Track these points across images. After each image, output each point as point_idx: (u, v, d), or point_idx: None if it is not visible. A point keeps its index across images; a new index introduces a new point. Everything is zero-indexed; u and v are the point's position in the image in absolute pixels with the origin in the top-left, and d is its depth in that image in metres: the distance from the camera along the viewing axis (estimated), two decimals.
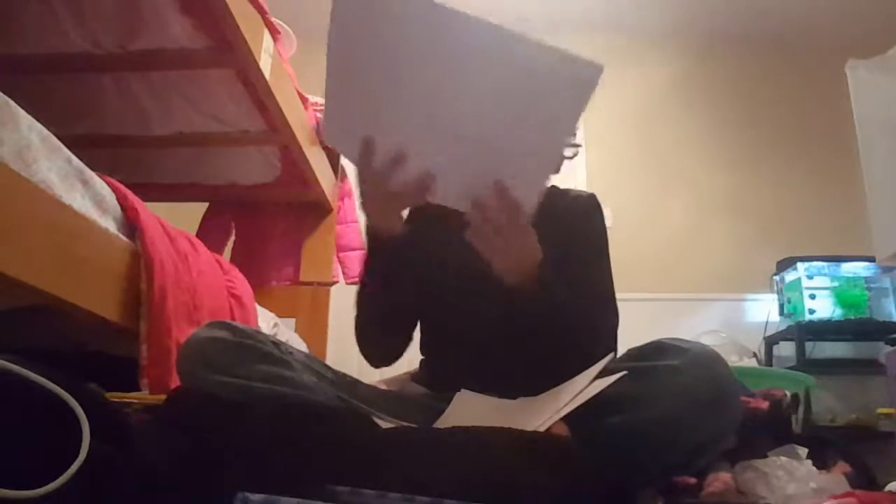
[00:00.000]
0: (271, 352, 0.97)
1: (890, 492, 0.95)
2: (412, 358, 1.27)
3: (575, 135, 1.27)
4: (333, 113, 0.92)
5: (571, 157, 1.28)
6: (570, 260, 1.05)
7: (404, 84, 0.85)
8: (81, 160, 1.14)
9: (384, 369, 1.25)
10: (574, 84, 0.82)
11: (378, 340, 1.18)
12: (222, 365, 0.92)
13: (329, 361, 1.14)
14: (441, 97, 0.85)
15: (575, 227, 1.18)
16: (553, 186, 1.30)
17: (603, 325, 1.10)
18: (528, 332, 1.03)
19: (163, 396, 0.99)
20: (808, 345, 3.03)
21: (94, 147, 2.00)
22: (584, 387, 0.87)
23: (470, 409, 1.01)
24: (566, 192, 1.28)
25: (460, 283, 1.18)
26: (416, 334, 1.25)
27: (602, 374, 0.90)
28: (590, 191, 1.30)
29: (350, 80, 0.86)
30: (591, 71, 0.82)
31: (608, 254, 1.19)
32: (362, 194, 0.98)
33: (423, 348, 1.24)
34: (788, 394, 1.18)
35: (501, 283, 0.98)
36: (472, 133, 0.87)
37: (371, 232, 1.06)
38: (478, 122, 0.86)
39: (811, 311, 3.03)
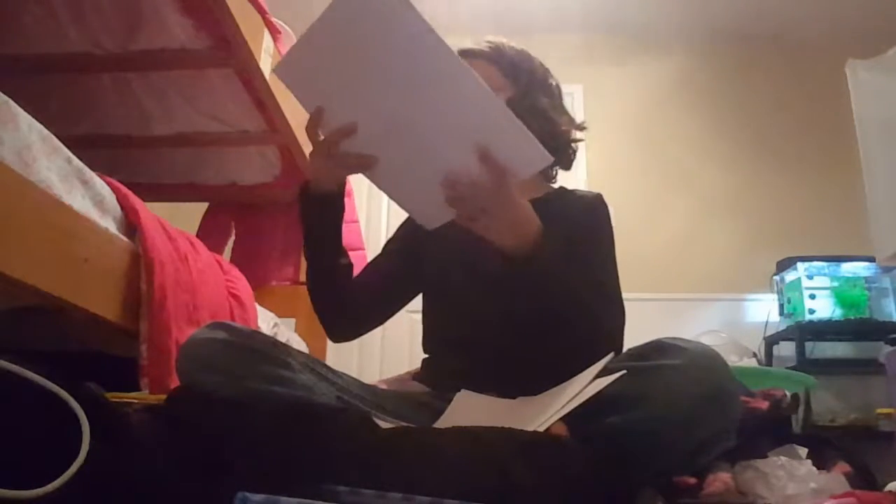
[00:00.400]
0: (271, 352, 0.96)
1: (890, 492, 0.95)
2: (414, 358, 1.27)
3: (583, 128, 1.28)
4: (300, 56, 0.95)
5: (573, 156, 1.28)
6: (575, 257, 1.04)
7: (376, 76, 0.89)
8: (81, 160, 1.14)
9: (384, 369, 1.26)
10: (522, 157, 0.90)
11: (322, 301, 1.18)
12: (222, 366, 0.92)
13: (329, 361, 1.14)
14: (405, 101, 0.90)
15: (580, 225, 1.17)
16: (561, 187, 1.30)
17: (608, 322, 1.09)
18: (525, 308, 1.04)
19: (163, 396, 0.99)
20: (808, 345, 3.03)
21: (94, 147, 2.00)
22: (584, 386, 0.87)
23: (470, 409, 1.01)
24: (573, 191, 1.28)
25: (462, 281, 1.18)
26: (418, 334, 1.26)
27: (602, 373, 0.90)
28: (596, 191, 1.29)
29: (329, 45, 0.90)
30: (541, 157, 0.89)
31: (614, 253, 1.18)
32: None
33: (426, 347, 1.24)
34: (788, 394, 1.17)
35: (504, 278, 0.98)
36: (418, 137, 0.93)
37: (305, 185, 1.09)
38: (427, 133, 0.92)
39: (811, 311, 3.03)
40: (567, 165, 1.29)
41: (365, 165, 0.98)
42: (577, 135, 1.27)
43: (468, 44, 1.24)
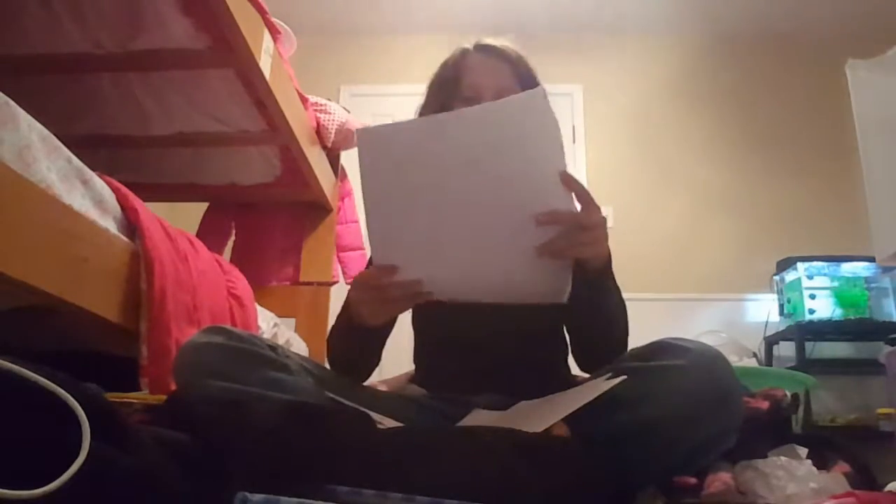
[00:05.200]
0: (268, 356, 0.95)
1: (890, 492, 0.95)
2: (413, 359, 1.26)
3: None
4: (394, 136, 0.90)
5: None
6: None
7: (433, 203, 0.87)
8: (81, 160, 1.14)
9: (383, 370, 1.24)
10: (532, 115, 0.85)
11: (351, 372, 1.15)
12: (219, 371, 0.90)
13: None
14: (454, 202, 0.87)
15: None
16: None
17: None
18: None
19: (163, 396, 0.99)
20: (808, 345, 3.03)
21: (94, 147, 2.00)
22: (586, 389, 0.87)
23: (477, 420, 1.00)
24: None
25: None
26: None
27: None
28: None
29: (385, 212, 0.88)
30: (537, 95, 0.85)
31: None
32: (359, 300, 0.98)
33: (417, 356, 1.24)
34: (788, 394, 1.17)
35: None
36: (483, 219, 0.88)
37: (357, 321, 1.03)
38: (485, 207, 0.87)
39: (811, 311, 3.04)
40: None
41: (413, 299, 0.94)
42: None
43: (499, 41, 1.24)
